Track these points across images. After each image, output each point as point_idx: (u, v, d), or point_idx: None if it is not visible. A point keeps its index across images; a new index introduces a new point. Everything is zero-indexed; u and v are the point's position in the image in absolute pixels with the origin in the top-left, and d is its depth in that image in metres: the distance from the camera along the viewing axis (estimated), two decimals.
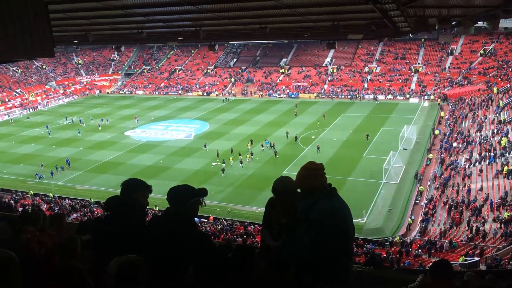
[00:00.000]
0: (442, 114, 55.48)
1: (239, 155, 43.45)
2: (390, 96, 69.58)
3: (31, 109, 76.80)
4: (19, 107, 77.02)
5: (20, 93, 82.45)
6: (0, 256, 2.53)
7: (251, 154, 44.27)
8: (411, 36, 66.27)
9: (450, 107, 57.81)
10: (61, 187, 40.67)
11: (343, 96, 72.29)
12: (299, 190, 3.73)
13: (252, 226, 30.00)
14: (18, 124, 66.41)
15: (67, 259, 3.37)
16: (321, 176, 3.59)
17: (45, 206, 33.82)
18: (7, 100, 78.44)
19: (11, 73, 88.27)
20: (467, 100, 56.71)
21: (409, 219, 30.74)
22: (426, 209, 31.78)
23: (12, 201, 33.73)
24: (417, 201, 33.66)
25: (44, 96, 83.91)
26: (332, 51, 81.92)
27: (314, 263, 3.46)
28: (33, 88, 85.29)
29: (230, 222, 31.29)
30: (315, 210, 3.42)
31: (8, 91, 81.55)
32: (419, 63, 76.87)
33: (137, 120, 62.43)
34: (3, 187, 40.46)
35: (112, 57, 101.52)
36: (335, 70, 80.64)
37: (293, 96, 75.40)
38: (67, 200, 36.51)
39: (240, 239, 25.26)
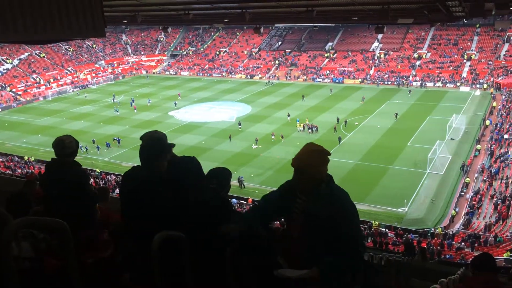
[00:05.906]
0: (495, 104, 52.94)
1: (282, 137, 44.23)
2: (439, 84, 67.07)
3: (81, 87, 79.80)
4: (70, 84, 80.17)
5: (72, 71, 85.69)
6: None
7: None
8: (466, 21, 63.35)
9: (504, 96, 54.99)
10: (107, 163, 42.27)
11: (389, 83, 70.37)
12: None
13: None
14: (69, 101, 69.17)
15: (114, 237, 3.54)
16: (328, 161, 3.14)
17: (91, 180, 35.26)
18: (59, 77, 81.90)
19: (63, 51, 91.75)
20: None
21: (453, 211, 29.84)
22: (472, 202, 30.72)
23: None
24: (463, 193, 32.55)
25: (93, 74, 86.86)
26: (380, 36, 79.67)
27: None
28: (83, 66, 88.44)
29: None
30: (336, 199, 3.08)
31: (60, 69, 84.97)
32: (472, 50, 73.35)
33: (177, 101, 63.39)
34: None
35: (159, 38, 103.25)
36: (382, 56, 78.43)
37: (337, 81, 74.03)
38: (112, 176, 37.92)
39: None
